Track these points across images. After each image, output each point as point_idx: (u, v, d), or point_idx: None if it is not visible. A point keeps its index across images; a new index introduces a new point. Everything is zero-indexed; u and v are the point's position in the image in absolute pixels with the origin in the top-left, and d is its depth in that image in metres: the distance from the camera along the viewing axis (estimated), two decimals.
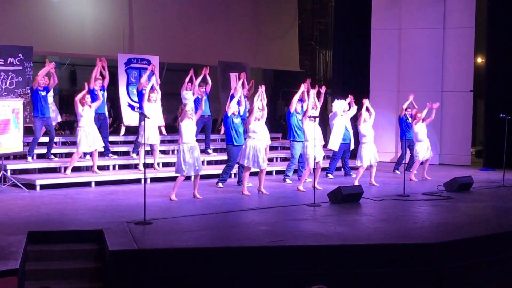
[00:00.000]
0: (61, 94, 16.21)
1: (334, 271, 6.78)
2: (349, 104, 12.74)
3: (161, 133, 12.86)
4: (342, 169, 13.51)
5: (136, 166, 12.18)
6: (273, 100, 18.75)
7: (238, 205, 9.53)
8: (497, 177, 12.93)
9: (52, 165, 11.57)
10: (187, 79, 13.33)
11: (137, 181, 11.30)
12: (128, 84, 13.86)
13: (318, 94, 11.78)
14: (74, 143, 11.68)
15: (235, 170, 11.77)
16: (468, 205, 9.92)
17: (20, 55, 12.44)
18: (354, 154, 12.46)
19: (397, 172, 13.68)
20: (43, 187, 10.49)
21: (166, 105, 14.04)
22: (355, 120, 12.30)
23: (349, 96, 12.88)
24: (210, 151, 13.50)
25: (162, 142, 13.09)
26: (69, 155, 11.83)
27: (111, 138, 12.99)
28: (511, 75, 15.18)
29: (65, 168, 11.20)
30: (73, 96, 11.67)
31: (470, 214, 9.20)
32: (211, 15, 17.12)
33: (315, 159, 10.57)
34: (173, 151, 13.34)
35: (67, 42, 14.75)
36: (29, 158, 11.57)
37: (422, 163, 13.03)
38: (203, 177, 11.29)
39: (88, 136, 11.08)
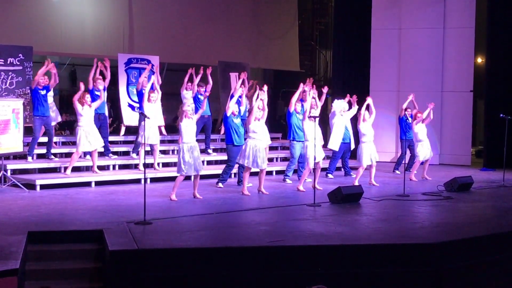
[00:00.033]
0: (61, 94, 16.21)
1: (334, 271, 6.78)
2: (350, 103, 12.70)
3: (161, 133, 12.86)
4: (342, 169, 13.51)
5: (136, 166, 12.18)
6: (273, 100, 18.74)
7: (238, 205, 9.53)
8: (497, 177, 12.93)
9: (52, 165, 11.57)
10: (186, 78, 13.34)
11: (137, 181, 11.30)
12: (128, 84, 13.86)
13: (320, 94, 11.79)
14: (74, 143, 11.68)
15: (235, 170, 11.77)
16: (468, 205, 9.92)
17: (20, 55, 12.44)
18: (354, 154, 12.47)
19: (397, 172, 13.68)
20: (43, 187, 10.50)
21: (166, 105, 14.03)
22: (355, 119, 12.30)
23: (351, 96, 12.86)
24: (210, 151, 13.50)
25: (162, 142, 13.10)
26: (69, 155, 11.83)
27: (111, 138, 12.99)
28: (511, 75, 15.19)
29: (65, 168, 11.20)
30: (73, 96, 11.65)
31: (470, 214, 9.20)
32: (211, 15, 17.12)
33: (315, 159, 10.57)
34: (173, 151, 13.34)
35: (67, 42, 14.75)
36: (29, 158, 11.57)
37: (422, 163, 13.03)
38: (203, 177, 11.29)
39: (88, 135, 11.08)
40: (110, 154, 12.43)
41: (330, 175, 12.91)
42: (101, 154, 12.35)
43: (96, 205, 9.16)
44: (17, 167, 11.31)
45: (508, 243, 7.82)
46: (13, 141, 10.60)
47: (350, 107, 12.64)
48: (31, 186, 10.47)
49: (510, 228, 8.17)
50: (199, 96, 13.06)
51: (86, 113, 11.14)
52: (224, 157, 12.30)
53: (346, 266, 6.85)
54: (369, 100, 11.92)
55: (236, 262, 6.70)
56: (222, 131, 13.46)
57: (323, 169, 12.76)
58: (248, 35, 18.11)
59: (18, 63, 12.39)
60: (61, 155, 12.50)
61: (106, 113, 12.64)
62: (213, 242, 7.13)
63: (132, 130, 13.50)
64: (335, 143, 12.42)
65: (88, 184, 11.02)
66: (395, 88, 16.20)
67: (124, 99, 13.77)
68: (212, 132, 13.93)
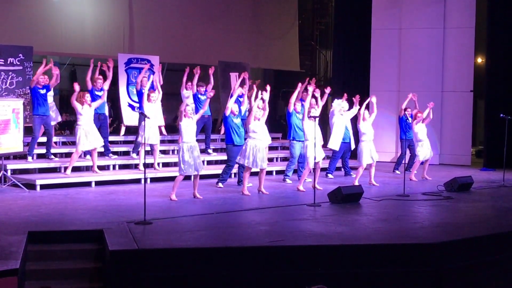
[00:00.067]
0: (61, 94, 16.21)
1: (334, 271, 6.79)
2: (350, 102, 12.67)
3: (161, 133, 12.86)
4: (342, 169, 13.52)
5: (136, 166, 12.18)
6: (273, 100, 18.73)
7: (238, 205, 9.53)
8: (497, 177, 12.93)
9: (52, 165, 11.57)
10: (185, 78, 13.34)
11: (137, 181, 11.30)
12: (128, 84, 13.87)
13: (322, 94, 11.80)
14: (74, 143, 11.67)
15: (235, 170, 11.77)
16: (468, 205, 9.92)
17: (20, 55, 12.45)
18: (354, 154, 12.47)
19: (397, 172, 13.68)
20: (43, 187, 10.50)
21: (166, 105, 14.05)
22: (355, 119, 12.30)
23: (350, 95, 12.86)
24: (210, 151, 13.50)
25: (162, 142, 13.10)
26: (69, 155, 11.83)
27: (111, 138, 12.99)
28: (511, 75, 15.19)
29: (65, 168, 11.20)
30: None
31: (470, 214, 9.20)
32: (211, 15, 17.12)
33: (315, 159, 10.57)
34: (173, 151, 13.35)
35: (67, 42, 14.76)
36: (29, 158, 11.57)
37: (422, 163, 13.03)
38: (203, 177, 11.30)
39: (88, 134, 11.08)
40: (110, 154, 12.43)
41: (330, 175, 12.91)
42: (101, 154, 12.35)
43: (96, 205, 9.17)
44: (17, 167, 11.31)
45: (508, 243, 7.82)
46: (13, 141, 10.60)
47: (350, 107, 12.61)
48: (31, 186, 10.47)
49: (510, 228, 8.17)
50: (199, 95, 13.07)
51: (85, 112, 11.14)
52: (224, 157, 12.31)
53: (346, 266, 6.85)
54: (373, 100, 11.93)
55: (236, 262, 6.70)
56: (222, 131, 13.47)
57: (323, 169, 12.77)
58: (248, 35, 18.11)
59: (18, 63, 12.40)
60: (61, 155, 12.50)
61: (106, 113, 12.64)
62: (213, 242, 7.13)
63: (132, 130, 13.51)
64: (335, 143, 12.42)
65: (88, 184, 11.03)
66: (395, 88, 16.20)
67: (124, 99, 13.78)
68: (212, 132, 13.93)
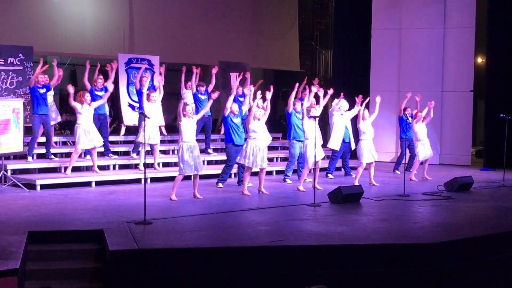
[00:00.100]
0: (61, 94, 16.19)
1: (334, 271, 6.79)
2: (348, 101, 12.66)
3: (161, 133, 12.86)
4: (342, 169, 13.52)
5: (136, 166, 12.19)
6: (273, 100, 18.69)
7: (238, 205, 9.53)
8: (497, 177, 12.93)
9: (52, 165, 11.57)
10: (183, 78, 13.32)
11: (137, 181, 11.31)
12: (128, 84, 13.87)
13: (324, 94, 11.83)
14: (74, 143, 11.67)
15: (235, 170, 11.77)
16: (468, 205, 9.92)
17: (20, 55, 12.45)
18: (354, 154, 12.47)
19: (397, 172, 13.68)
20: (43, 187, 10.50)
21: (166, 105, 14.04)
22: (354, 119, 12.29)
23: (347, 95, 12.86)
24: (210, 151, 13.50)
25: (162, 142, 13.09)
26: (69, 155, 11.82)
27: (111, 138, 12.99)
28: (511, 75, 15.19)
29: (65, 168, 11.20)
30: (74, 97, 11.67)
31: (470, 214, 9.20)
32: (211, 15, 17.12)
33: (315, 158, 10.56)
34: (173, 151, 13.34)
35: (67, 42, 14.76)
36: (29, 158, 11.57)
37: (421, 163, 13.03)
38: (203, 177, 11.30)
39: (87, 134, 11.08)
40: (110, 154, 12.43)
41: (330, 175, 12.90)
42: (101, 154, 12.36)
43: (96, 205, 9.17)
44: (17, 167, 11.31)
45: (508, 243, 7.82)
46: (13, 141, 10.60)
47: (351, 107, 12.55)
48: (31, 186, 10.47)
49: (510, 228, 8.17)
50: (199, 95, 13.07)
51: (85, 111, 11.14)
52: (224, 157, 12.30)
53: (346, 266, 6.85)
54: (377, 100, 11.94)
55: (236, 262, 6.70)
56: (222, 131, 13.46)
57: (323, 169, 12.78)
58: (248, 35, 18.11)
59: (19, 63, 12.40)
60: (61, 155, 12.50)
61: (107, 113, 12.64)
62: (213, 242, 7.13)
63: (132, 130, 13.51)
64: (335, 143, 12.42)
65: (88, 184, 11.03)
66: (395, 88, 16.20)
67: (124, 99, 13.78)
68: (212, 132, 13.93)
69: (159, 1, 16.28)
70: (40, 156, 11.93)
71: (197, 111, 12.59)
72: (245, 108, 11.98)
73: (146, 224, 7.77)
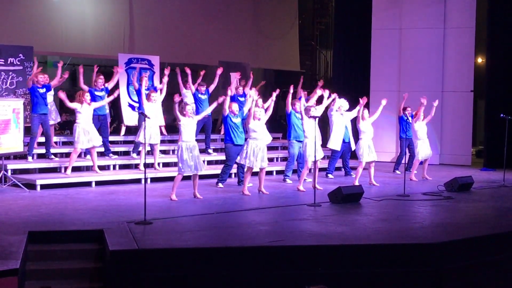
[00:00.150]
0: None
1: (334, 271, 6.79)
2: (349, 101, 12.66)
3: (161, 133, 12.86)
4: (343, 169, 13.52)
5: (136, 166, 12.19)
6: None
7: (238, 205, 9.53)
8: (497, 177, 12.93)
9: (52, 165, 11.57)
10: (179, 79, 13.28)
11: (138, 181, 11.31)
12: (128, 84, 13.87)
13: (329, 96, 11.89)
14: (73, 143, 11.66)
15: (234, 170, 11.77)
16: (469, 205, 9.93)
17: (20, 55, 12.46)
18: (354, 154, 12.46)
19: (398, 172, 13.68)
20: (43, 187, 10.50)
21: (166, 105, 14.03)
22: (354, 119, 12.27)
23: (346, 96, 12.86)
24: (210, 151, 13.50)
25: (162, 142, 13.10)
26: (69, 155, 11.82)
27: (111, 138, 12.99)
28: (511, 75, 15.18)
29: (65, 168, 11.20)
30: (73, 96, 11.68)
31: (470, 214, 9.20)
32: (211, 15, 17.13)
33: (315, 158, 10.56)
34: (173, 151, 13.34)
35: (67, 42, 14.76)
36: (29, 158, 11.57)
37: (421, 163, 13.03)
38: (203, 177, 11.31)
39: (86, 133, 11.07)
40: (111, 154, 12.43)
41: (330, 175, 12.90)
42: (101, 154, 12.36)
43: (97, 205, 9.17)
44: (18, 167, 11.31)
45: (508, 243, 7.82)
46: (14, 141, 10.60)
47: (353, 107, 12.49)
48: (31, 186, 10.48)
49: (510, 228, 8.17)
50: (199, 95, 13.06)
51: (85, 111, 11.14)
52: (224, 157, 12.30)
53: (346, 266, 6.85)
54: (383, 102, 11.93)
55: (236, 262, 6.70)
56: (222, 131, 13.47)
57: (322, 169, 12.79)
58: (248, 35, 18.12)
59: (19, 63, 12.41)
60: (61, 155, 12.50)
61: (107, 111, 12.65)
62: (213, 242, 7.13)
63: (132, 130, 13.51)
64: (335, 143, 12.41)
65: (88, 184, 11.03)
66: (395, 88, 16.20)
67: (124, 99, 13.78)
68: (212, 132, 13.94)
69: (159, 1, 16.29)
70: (40, 156, 11.93)
71: (197, 110, 12.61)
72: (246, 109, 11.96)
73: (146, 224, 7.77)
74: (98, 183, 11.11)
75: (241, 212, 8.98)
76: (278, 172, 12.89)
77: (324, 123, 13.48)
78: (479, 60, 19.09)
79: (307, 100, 12.38)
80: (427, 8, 16.04)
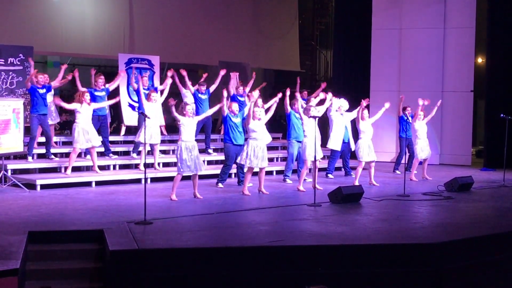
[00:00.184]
0: (61, 94, 16.20)
1: (334, 271, 6.79)
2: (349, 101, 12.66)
3: (161, 133, 12.86)
4: (343, 169, 13.52)
5: (136, 166, 12.19)
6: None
7: (238, 205, 9.53)
8: (497, 177, 12.93)
9: (52, 165, 11.57)
10: (177, 81, 13.22)
11: (138, 181, 11.31)
12: (128, 84, 13.85)
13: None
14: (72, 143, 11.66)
15: (234, 170, 11.77)
16: (469, 205, 9.93)
17: (20, 55, 12.46)
18: (354, 154, 12.45)
19: (398, 172, 13.68)
20: (43, 187, 10.50)
21: (166, 105, 14.02)
22: (354, 119, 12.27)
23: (350, 96, 12.86)
24: (210, 151, 13.50)
25: (162, 142, 13.10)
26: (69, 155, 11.82)
27: (111, 138, 12.99)
28: (511, 75, 15.19)
29: (66, 168, 11.20)
30: (73, 97, 11.69)
31: (470, 214, 9.20)
32: (211, 15, 17.14)
33: (315, 158, 10.56)
34: (173, 151, 13.31)
35: (67, 42, 14.77)
36: (29, 158, 11.57)
37: (421, 162, 13.03)
38: (203, 177, 11.31)
39: (85, 133, 11.07)
40: (111, 154, 12.43)
41: (330, 175, 12.90)
42: (101, 154, 12.36)
43: (97, 205, 9.17)
44: (18, 167, 11.31)
45: (508, 243, 7.82)
46: (14, 141, 10.60)
47: (354, 108, 12.47)
48: (31, 186, 10.48)
49: (510, 228, 8.17)
50: (199, 95, 13.06)
51: (84, 111, 11.13)
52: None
53: (346, 266, 6.85)
54: (386, 105, 11.92)
55: (236, 262, 6.70)
56: (222, 131, 13.47)
57: (322, 169, 12.79)
58: (248, 35, 18.13)
59: (19, 63, 12.41)
60: (61, 155, 12.50)
61: (107, 111, 12.65)
62: (213, 242, 7.13)
63: (133, 130, 13.51)
64: (335, 143, 12.42)
65: (88, 184, 11.03)
66: (395, 88, 16.20)
67: (124, 99, 13.78)
68: (212, 132, 13.94)
69: (159, 1, 16.29)
70: (40, 156, 11.93)
71: (197, 110, 12.60)
72: (247, 109, 11.96)
73: (146, 224, 7.77)
74: (98, 183, 11.11)
75: (241, 212, 8.98)
76: (278, 172, 12.89)
77: (324, 123, 13.48)
78: (479, 60, 19.09)
79: (307, 100, 12.37)
80: (427, 8, 16.05)
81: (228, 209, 9.07)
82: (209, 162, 13.17)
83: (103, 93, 12.17)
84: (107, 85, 12.33)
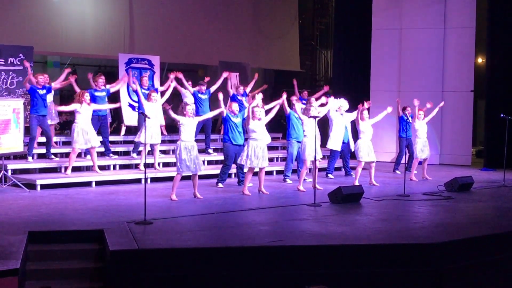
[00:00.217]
0: (61, 94, 16.23)
1: (334, 271, 6.79)
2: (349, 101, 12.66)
3: (162, 133, 12.86)
4: (343, 169, 13.52)
5: (136, 166, 12.19)
6: (273, 100, 18.72)
7: (238, 205, 9.53)
8: (497, 177, 12.93)
9: (52, 165, 11.57)
10: (177, 85, 13.18)
11: (138, 181, 11.31)
12: (128, 84, 13.84)
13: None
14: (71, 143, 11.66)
15: (234, 170, 11.77)
16: (469, 205, 9.93)
17: (20, 55, 12.46)
18: (354, 154, 12.46)
19: (398, 172, 13.68)
20: (43, 187, 10.50)
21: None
22: (354, 120, 12.27)
23: (350, 96, 12.86)
24: (210, 151, 13.49)
25: (163, 142, 13.10)
26: (69, 155, 11.83)
27: (111, 138, 12.99)
28: (511, 75, 15.19)
29: (66, 168, 11.20)
30: (73, 97, 11.70)
31: (470, 214, 9.21)
32: (211, 15, 17.15)
33: (315, 158, 10.56)
34: (173, 151, 13.28)
35: (67, 42, 14.77)
36: (30, 158, 11.56)
37: (420, 162, 13.03)
38: (203, 177, 11.31)
39: (84, 133, 11.07)
40: (111, 154, 12.44)
41: (330, 175, 12.90)
42: (101, 154, 12.36)
43: (97, 205, 9.17)
44: (18, 167, 11.31)
45: (508, 243, 7.82)
46: (14, 141, 10.60)
47: (354, 109, 12.46)
48: (31, 186, 10.48)
49: (510, 228, 8.17)
50: (199, 95, 13.06)
51: (84, 111, 11.13)
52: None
53: (346, 266, 6.85)
54: (389, 110, 11.92)
55: (236, 262, 6.71)
56: (222, 131, 13.46)
57: (322, 169, 12.78)
58: (248, 35, 18.13)
59: (19, 63, 12.41)
60: (62, 155, 12.50)
61: (107, 112, 12.65)
62: (213, 242, 7.13)
63: (133, 130, 13.51)
64: (335, 143, 12.42)
65: (88, 184, 11.03)
66: (395, 88, 16.20)
67: (124, 99, 13.77)
68: (212, 132, 13.94)
69: (159, 1, 16.30)
70: (40, 156, 11.93)
71: (197, 110, 12.59)
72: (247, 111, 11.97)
73: (146, 224, 7.77)
74: (98, 183, 11.11)
75: (241, 212, 8.98)
76: (278, 172, 12.89)
77: (324, 123, 13.49)
78: (479, 60, 19.09)
79: (307, 101, 12.38)
80: (427, 8, 16.05)
81: (228, 209, 9.08)
82: (209, 162, 13.18)
83: (103, 93, 12.17)
84: (108, 86, 12.33)
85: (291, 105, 11.76)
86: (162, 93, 12.13)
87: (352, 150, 12.59)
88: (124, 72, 13.55)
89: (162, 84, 13.36)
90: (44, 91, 11.58)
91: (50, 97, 11.98)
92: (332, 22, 19.41)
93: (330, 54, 19.70)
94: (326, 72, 20.62)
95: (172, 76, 12.31)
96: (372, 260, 6.90)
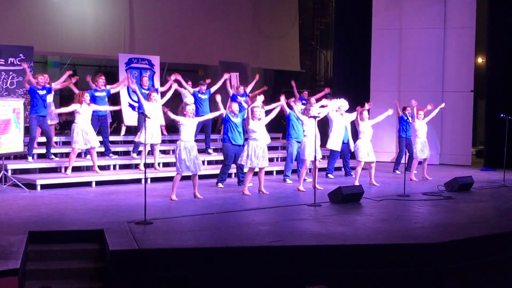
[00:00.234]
0: (61, 94, 16.22)
1: (334, 271, 6.79)
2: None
3: (162, 133, 12.86)
4: (343, 169, 13.52)
5: (136, 166, 12.19)
6: (273, 100, 18.73)
7: (238, 205, 9.53)
8: (497, 177, 12.93)
9: (52, 165, 11.57)
10: (177, 87, 13.16)
11: (138, 181, 11.31)
12: (128, 85, 13.84)
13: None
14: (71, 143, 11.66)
15: (234, 170, 11.77)
16: (469, 205, 9.93)
17: (20, 55, 12.46)
18: (354, 154, 12.46)
19: (397, 172, 13.68)
20: (43, 187, 10.50)
21: (166, 105, 14.04)
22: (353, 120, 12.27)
23: (350, 96, 12.87)
24: (210, 151, 13.49)
25: (163, 142, 13.10)
26: (69, 155, 11.83)
27: (111, 138, 12.99)
28: (511, 75, 15.19)
29: (66, 168, 11.21)
30: (73, 97, 11.70)
31: (471, 214, 9.21)
32: (211, 15, 17.15)
33: (314, 158, 10.56)
34: (173, 151, 13.28)
35: (67, 42, 14.78)
36: (30, 158, 11.56)
37: (420, 162, 13.03)
38: (203, 177, 11.31)
39: (84, 134, 11.07)
40: (111, 154, 12.44)
41: (330, 175, 12.91)
42: (101, 154, 12.36)
43: (97, 205, 9.17)
44: (18, 167, 11.31)
45: (508, 243, 7.83)
46: (14, 141, 10.61)
47: (354, 109, 12.45)
48: (31, 186, 10.48)
49: (510, 228, 8.17)
50: (200, 95, 13.06)
51: (84, 111, 11.13)
52: None
53: (346, 266, 6.86)
54: (390, 112, 11.93)
55: (236, 262, 6.71)
56: (222, 131, 13.46)
57: (322, 169, 12.78)
58: (248, 35, 18.14)
59: (19, 63, 12.41)
60: (62, 155, 12.50)
61: (107, 112, 12.65)
62: (213, 242, 7.13)
63: (133, 130, 13.51)
64: (335, 143, 12.41)
65: (88, 184, 11.03)
66: (395, 88, 16.20)
67: (124, 99, 13.77)
68: (212, 132, 13.94)
69: (159, 1, 16.31)
70: (40, 156, 11.93)
71: (197, 110, 12.58)
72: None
73: (146, 224, 7.77)
74: (98, 183, 11.11)
75: (241, 212, 8.98)
76: (278, 172, 12.89)
77: (324, 123, 13.49)
78: (479, 60, 19.09)
79: (307, 101, 12.40)
80: (427, 8, 16.05)
81: (228, 209, 9.08)
82: (209, 162, 13.18)
83: (104, 94, 12.17)
84: (108, 87, 12.34)
85: (290, 107, 11.75)
86: (162, 94, 12.12)
87: (352, 150, 12.59)
88: (124, 74, 13.56)
89: (162, 84, 13.35)
90: (44, 91, 11.57)
91: (50, 98, 11.98)
92: (332, 22, 19.41)
93: (330, 54, 19.70)
94: (326, 72, 20.62)
95: (172, 77, 12.30)
96: (372, 260, 6.91)
